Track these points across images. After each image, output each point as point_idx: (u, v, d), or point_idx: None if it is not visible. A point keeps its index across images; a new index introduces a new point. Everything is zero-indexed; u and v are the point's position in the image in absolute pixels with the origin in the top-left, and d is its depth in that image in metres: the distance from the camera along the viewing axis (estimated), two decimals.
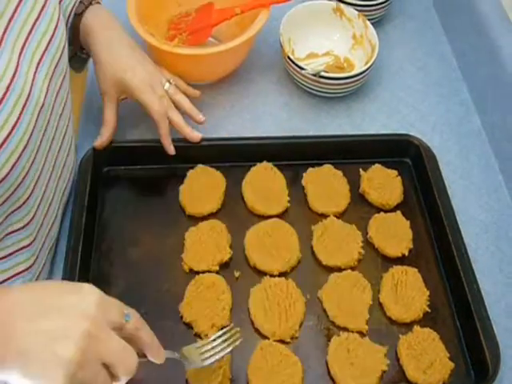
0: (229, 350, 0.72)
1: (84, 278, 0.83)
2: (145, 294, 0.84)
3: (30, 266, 0.81)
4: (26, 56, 0.72)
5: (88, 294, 0.58)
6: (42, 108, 0.74)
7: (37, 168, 0.76)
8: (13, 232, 0.76)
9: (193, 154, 0.96)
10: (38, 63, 0.74)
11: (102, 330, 0.56)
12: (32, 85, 0.72)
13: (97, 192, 0.93)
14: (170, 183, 0.95)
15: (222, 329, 0.80)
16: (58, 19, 0.79)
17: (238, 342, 0.73)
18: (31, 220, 0.78)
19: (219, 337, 0.73)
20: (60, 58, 0.79)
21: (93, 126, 1.01)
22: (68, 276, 0.81)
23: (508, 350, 0.82)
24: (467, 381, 0.79)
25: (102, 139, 0.93)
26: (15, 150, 0.69)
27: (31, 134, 0.72)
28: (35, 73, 0.73)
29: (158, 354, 0.63)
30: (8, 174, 0.69)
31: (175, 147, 0.93)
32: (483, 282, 0.85)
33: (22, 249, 0.79)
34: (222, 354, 0.72)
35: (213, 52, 1.01)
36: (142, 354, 0.63)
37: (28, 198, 0.75)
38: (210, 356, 0.71)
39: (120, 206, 0.94)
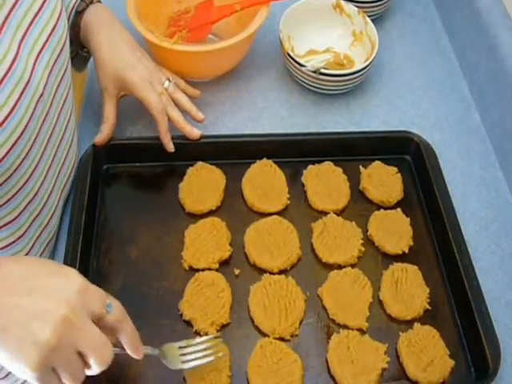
0: (211, 359, 0.71)
1: (83, 274, 0.82)
2: (144, 292, 0.84)
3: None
4: (27, 45, 0.73)
5: (73, 280, 0.58)
6: (40, 97, 0.74)
7: (34, 157, 0.76)
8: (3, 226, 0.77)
9: (192, 151, 0.95)
10: (39, 54, 0.75)
11: (80, 318, 0.56)
12: (32, 73, 0.73)
13: (96, 189, 0.93)
14: (169, 181, 0.95)
15: (221, 327, 0.80)
16: (60, 13, 0.80)
17: (221, 354, 0.72)
18: (22, 211, 0.78)
19: (204, 342, 0.72)
20: (61, 51, 0.80)
21: (92, 124, 1.01)
22: None
23: (508, 347, 0.82)
24: (467, 378, 0.79)
25: (103, 135, 0.93)
26: (14, 131, 0.69)
27: (29, 120, 0.72)
28: (35, 62, 0.74)
29: (137, 349, 0.63)
30: (6, 154, 0.69)
31: (175, 144, 0.93)
32: (483, 279, 0.84)
33: (11, 243, 0.79)
34: (203, 361, 0.70)
35: (212, 49, 1.00)
36: (121, 346, 0.62)
37: (22, 187, 0.75)
38: (191, 360, 0.70)
39: (119, 203, 0.94)
